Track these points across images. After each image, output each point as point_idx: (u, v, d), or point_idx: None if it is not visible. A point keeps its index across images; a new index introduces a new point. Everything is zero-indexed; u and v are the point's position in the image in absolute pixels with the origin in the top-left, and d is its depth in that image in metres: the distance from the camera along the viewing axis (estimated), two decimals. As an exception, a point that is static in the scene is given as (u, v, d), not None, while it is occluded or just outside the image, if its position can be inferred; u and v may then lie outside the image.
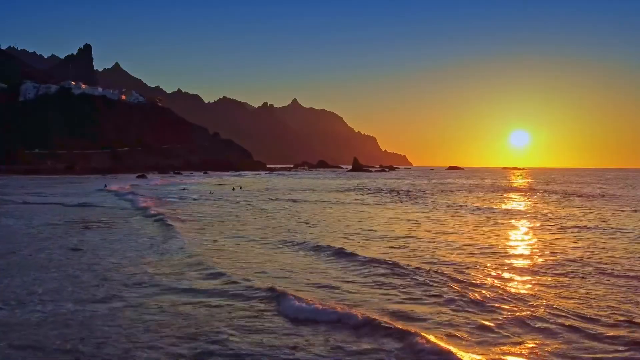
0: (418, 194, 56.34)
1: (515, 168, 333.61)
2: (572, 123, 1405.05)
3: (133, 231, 23.55)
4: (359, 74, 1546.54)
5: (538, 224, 28.15)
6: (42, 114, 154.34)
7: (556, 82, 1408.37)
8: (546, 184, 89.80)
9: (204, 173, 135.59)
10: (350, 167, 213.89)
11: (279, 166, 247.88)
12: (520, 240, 22.50)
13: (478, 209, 37.46)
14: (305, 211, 35.35)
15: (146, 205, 36.49)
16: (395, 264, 15.40)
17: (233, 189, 61.72)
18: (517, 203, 45.99)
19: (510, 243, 21.44)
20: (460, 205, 40.32)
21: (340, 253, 17.54)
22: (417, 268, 14.89)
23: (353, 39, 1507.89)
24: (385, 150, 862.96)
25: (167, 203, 40.42)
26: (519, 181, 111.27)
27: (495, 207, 39.77)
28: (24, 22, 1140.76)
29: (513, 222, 29.49)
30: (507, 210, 37.79)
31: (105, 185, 61.58)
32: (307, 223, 27.76)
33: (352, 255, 16.98)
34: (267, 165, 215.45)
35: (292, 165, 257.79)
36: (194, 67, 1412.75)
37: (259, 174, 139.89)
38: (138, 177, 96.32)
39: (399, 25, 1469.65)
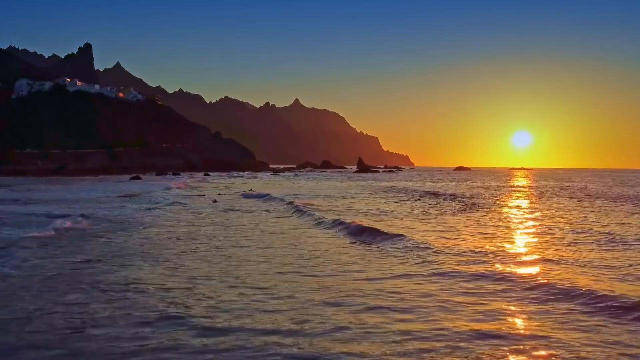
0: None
1: (522, 168, 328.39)
2: (573, 123, 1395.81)
3: None
4: (361, 74, 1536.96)
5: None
6: (35, 112, 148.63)
7: (557, 82, 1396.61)
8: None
9: (204, 174, 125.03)
10: (355, 167, 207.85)
11: (282, 166, 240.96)
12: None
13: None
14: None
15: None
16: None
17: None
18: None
19: None
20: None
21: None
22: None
23: (355, 39, 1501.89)
24: (388, 151, 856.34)
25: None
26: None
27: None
28: (24, 22, 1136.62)
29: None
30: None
31: None
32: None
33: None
34: (270, 166, 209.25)
35: (294, 166, 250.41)
36: (195, 67, 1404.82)
37: (263, 174, 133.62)
38: (132, 178, 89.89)
39: (400, 25, 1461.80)
